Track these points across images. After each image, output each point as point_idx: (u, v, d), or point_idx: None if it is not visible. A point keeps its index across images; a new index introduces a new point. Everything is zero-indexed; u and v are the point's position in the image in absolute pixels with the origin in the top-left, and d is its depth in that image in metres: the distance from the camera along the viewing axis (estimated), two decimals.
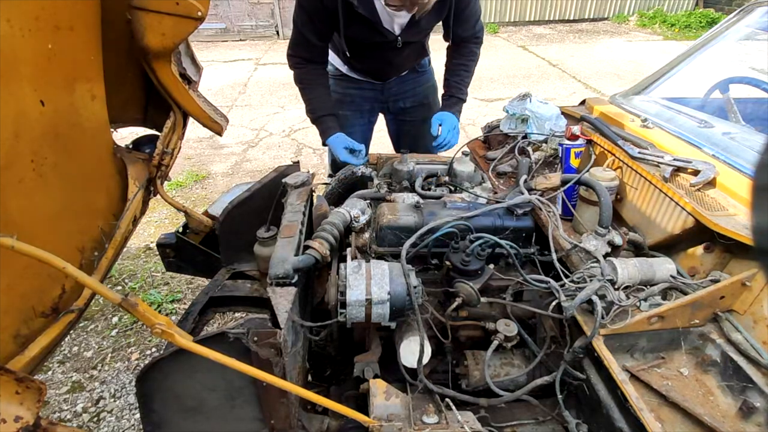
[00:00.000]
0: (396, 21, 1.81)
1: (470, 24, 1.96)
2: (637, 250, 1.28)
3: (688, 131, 1.45)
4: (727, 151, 1.30)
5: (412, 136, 2.38)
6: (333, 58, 2.14)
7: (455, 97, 2.06)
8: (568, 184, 1.34)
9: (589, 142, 1.54)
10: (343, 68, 2.15)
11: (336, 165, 2.38)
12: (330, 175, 2.44)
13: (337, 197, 1.93)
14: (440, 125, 1.96)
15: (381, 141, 2.57)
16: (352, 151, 1.85)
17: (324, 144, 1.97)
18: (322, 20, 1.76)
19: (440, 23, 1.93)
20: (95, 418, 2.03)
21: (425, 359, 1.11)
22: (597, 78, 6.71)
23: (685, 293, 1.09)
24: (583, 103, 1.90)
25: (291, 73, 1.98)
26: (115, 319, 2.56)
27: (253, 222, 1.46)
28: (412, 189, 1.66)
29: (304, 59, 1.92)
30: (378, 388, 1.06)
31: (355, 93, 2.18)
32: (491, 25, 10.03)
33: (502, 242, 1.20)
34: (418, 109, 2.30)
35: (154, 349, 2.38)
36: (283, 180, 1.48)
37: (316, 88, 1.96)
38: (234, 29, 9.38)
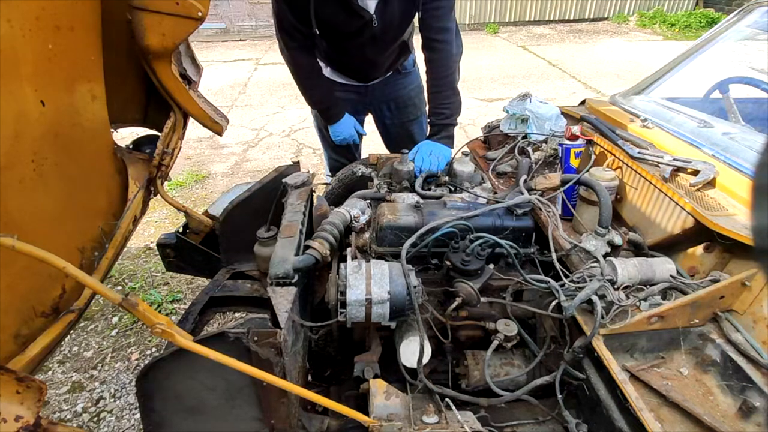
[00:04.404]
0: None
1: (437, 15, 1.81)
2: (637, 250, 1.28)
3: (687, 131, 1.45)
4: (727, 151, 1.30)
5: (401, 136, 2.36)
6: None
7: (436, 125, 1.94)
8: (568, 184, 1.34)
9: (589, 142, 1.54)
10: (326, 70, 2.13)
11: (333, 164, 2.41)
12: (328, 176, 2.44)
13: (337, 197, 1.93)
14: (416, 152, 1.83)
15: (377, 141, 2.57)
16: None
17: (327, 127, 2.12)
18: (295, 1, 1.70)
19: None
20: (95, 418, 2.03)
21: (425, 359, 1.11)
22: (597, 78, 6.70)
23: (685, 293, 1.09)
24: (583, 103, 1.90)
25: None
26: (115, 319, 2.56)
27: (253, 222, 1.46)
28: (412, 189, 1.66)
29: (290, 42, 1.87)
30: (378, 388, 1.06)
31: (339, 95, 2.15)
32: (491, 25, 10.03)
33: (502, 242, 1.21)
34: (404, 111, 2.29)
35: (154, 349, 2.38)
36: (283, 180, 1.48)
37: (312, 77, 2.01)
38: (234, 29, 9.39)
